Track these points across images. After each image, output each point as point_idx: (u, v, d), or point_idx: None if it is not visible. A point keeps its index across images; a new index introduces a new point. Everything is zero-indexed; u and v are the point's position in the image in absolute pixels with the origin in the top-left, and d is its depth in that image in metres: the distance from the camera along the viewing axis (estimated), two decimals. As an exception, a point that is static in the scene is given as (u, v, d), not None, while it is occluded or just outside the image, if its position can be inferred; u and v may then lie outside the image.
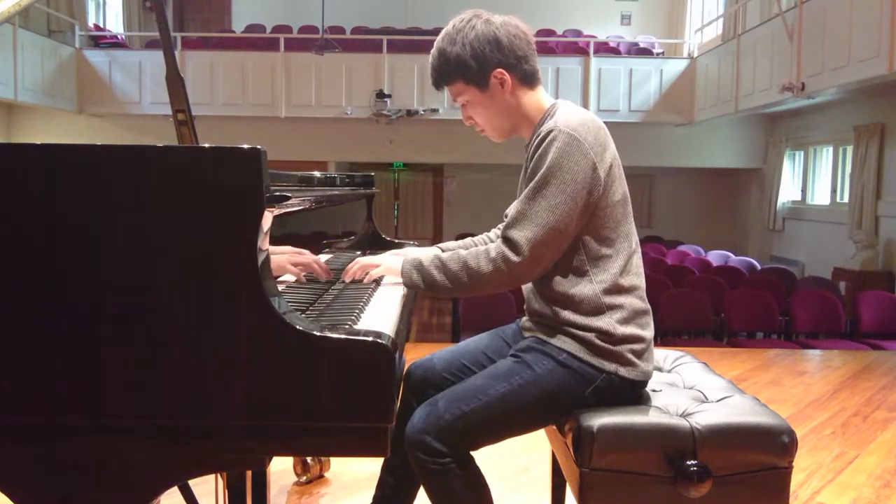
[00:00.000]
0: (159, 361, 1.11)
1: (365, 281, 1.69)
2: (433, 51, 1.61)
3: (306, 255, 1.61)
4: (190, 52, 9.68)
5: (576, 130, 1.48)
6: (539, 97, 1.64)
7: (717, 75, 9.08)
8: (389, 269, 1.64)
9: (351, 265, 1.70)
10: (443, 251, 1.88)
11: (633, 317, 1.55)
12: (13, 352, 1.11)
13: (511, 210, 1.54)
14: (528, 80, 1.62)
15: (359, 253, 2.29)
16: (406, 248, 1.92)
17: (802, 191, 9.32)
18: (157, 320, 1.10)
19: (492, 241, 1.93)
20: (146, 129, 9.73)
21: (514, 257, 1.47)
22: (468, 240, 1.96)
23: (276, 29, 10.97)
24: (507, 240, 1.49)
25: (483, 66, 1.56)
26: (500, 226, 1.92)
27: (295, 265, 1.54)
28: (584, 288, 1.53)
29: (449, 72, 1.60)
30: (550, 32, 11.04)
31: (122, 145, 1.10)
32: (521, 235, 1.47)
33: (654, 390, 1.66)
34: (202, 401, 1.11)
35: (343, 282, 1.75)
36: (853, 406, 3.57)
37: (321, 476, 2.57)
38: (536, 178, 1.48)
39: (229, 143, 1.10)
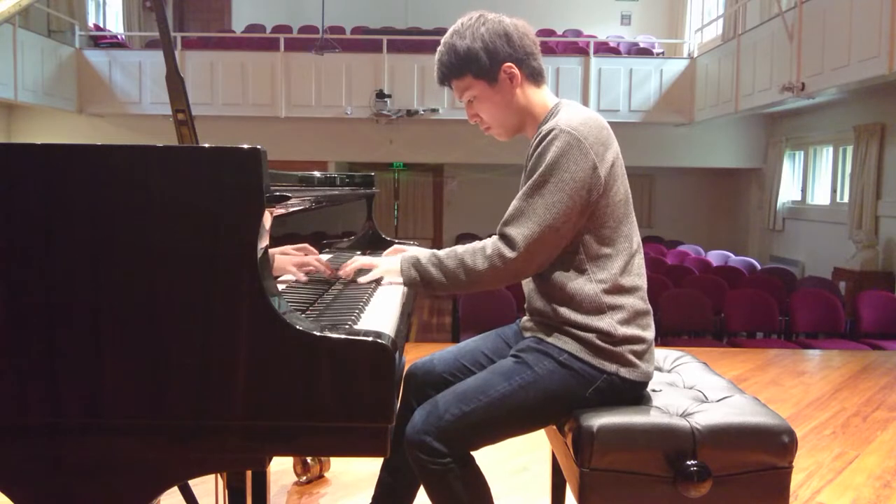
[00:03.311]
0: (159, 361, 1.11)
1: (360, 281, 1.69)
2: (441, 47, 1.62)
3: (308, 257, 1.61)
4: (190, 52, 9.68)
5: (577, 129, 1.48)
6: (545, 96, 1.64)
7: (717, 75, 9.08)
8: (387, 270, 1.64)
9: (348, 263, 1.70)
10: None
11: (634, 317, 1.55)
12: (14, 352, 1.10)
13: (509, 207, 1.54)
14: (536, 77, 1.62)
15: (358, 253, 2.29)
16: (408, 248, 1.91)
17: (802, 191, 9.32)
18: (157, 320, 1.10)
19: None
20: (146, 129, 9.73)
21: (509, 253, 1.48)
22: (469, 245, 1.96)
23: (276, 29, 10.97)
24: (503, 236, 1.50)
25: (494, 59, 1.57)
26: None
27: (297, 265, 1.54)
28: (585, 287, 1.53)
29: (458, 66, 1.60)
30: (550, 32, 11.04)
31: (122, 145, 1.10)
32: (516, 232, 1.48)
33: (654, 390, 1.66)
34: (202, 401, 1.11)
35: (343, 281, 1.75)
36: (853, 406, 3.57)
37: (321, 476, 2.57)
38: (535, 175, 1.49)
39: (229, 143, 1.10)
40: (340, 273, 1.71)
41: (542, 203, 1.47)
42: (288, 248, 1.54)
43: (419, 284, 1.57)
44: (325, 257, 1.82)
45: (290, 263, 1.52)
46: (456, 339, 5.74)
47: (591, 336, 1.52)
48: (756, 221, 10.37)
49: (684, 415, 1.50)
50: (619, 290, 1.54)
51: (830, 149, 8.69)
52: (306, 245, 1.63)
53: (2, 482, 1.15)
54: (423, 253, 1.59)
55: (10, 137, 9.79)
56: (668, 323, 5.34)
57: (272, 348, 1.10)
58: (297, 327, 1.10)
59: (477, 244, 1.54)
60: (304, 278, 1.55)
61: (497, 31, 1.57)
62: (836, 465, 2.79)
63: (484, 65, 1.57)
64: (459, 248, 1.55)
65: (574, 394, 1.52)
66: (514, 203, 1.51)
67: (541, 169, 1.48)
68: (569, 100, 1.63)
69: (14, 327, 1.10)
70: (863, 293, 5.82)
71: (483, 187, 11.40)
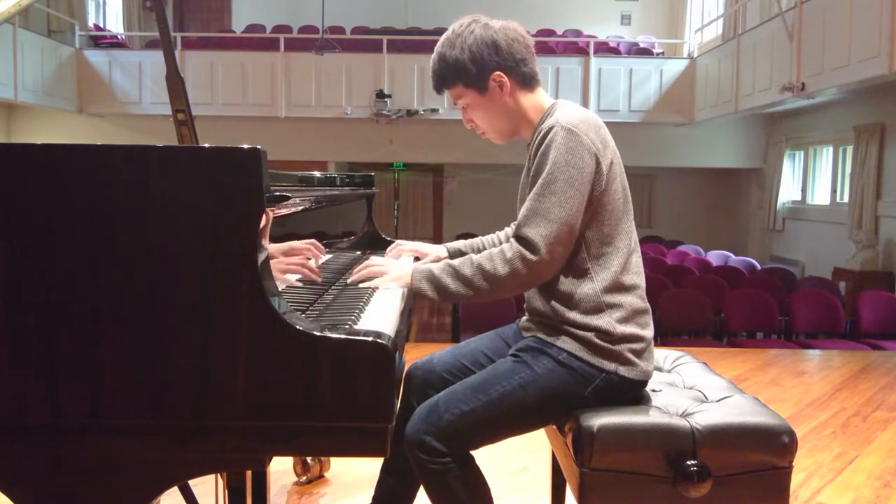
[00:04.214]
0: (159, 361, 1.11)
1: (371, 284, 1.66)
2: (433, 55, 1.63)
3: (294, 259, 1.57)
4: (190, 52, 9.68)
5: (576, 126, 1.48)
6: (538, 98, 1.64)
7: (717, 75, 9.08)
8: (397, 278, 1.60)
9: (359, 268, 1.69)
10: (448, 251, 1.88)
11: (633, 316, 1.55)
12: (14, 352, 1.10)
13: (521, 209, 1.53)
14: (527, 82, 1.62)
15: (359, 253, 2.29)
16: (405, 259, 1.89)
17: (802, 191, 9.32)
18: (157, 320, 1.10)
19: (502, 241, 1.92)
20: (146, 129, 9.73)
21: (531, 256, 1.46)
22: (476, 239, 1.95)
23: (276, 29, 10.97)
24: (521, 239, 1.48)
25: (482, 69, 1.57)
26: (513, 224, 1.91)
27: (284, 272, 1.51)
28: (585, 286, 1.53)
29: (449, 75, 1.61)
30: (550, 32, 11.04)
31: (122, 145, 1.10)
32: (535, 233, 1.46)
33: (654, 390, 1.66)
34: (202, 401, 1.11)
35: (343, 281, 1.75)
36: (853, 406, 3.57)
37: (321, 476, 2.57)
38: (543, 174, 1.48)
39: (229, 143, 1.10)
40: (350, 281, 1.69)
41: (556, 201, 1.46)
42: (275, 249, 1.52)
43: (433, 297, 1.53)
44: (324, 258, 1.82)
45: (280, 270, 1.47)
46: (456, 339, 5.73)
47: (589, 335, 1.52)
48: (756, 221, 10.37)
49: (684, 415, 1.50)
50: (618, 288, 1.54)
51: (830, 149, 8.69)
52: (293, 245, 1.60)
53: (2, 482, 1.15)
54: (435, 265, 1.55)
55: (10, 137, 9.79)
56: (668, 323, 5.34)
57: (272, 348, 1.10)
58: (297, 327, 1.10)
59: (494, 250, 1.51)
60: (292, 281, 1.51)
61: (485, 39, 1.56)
62: (836, 465, 2.79)
63: (472, 75, 1.58)
64: (475, 256, 1.52)
65: (573, 393, 1.52)
66: (527, 204, 1.50)
67: (548, 167, 1.47)
68: (565, 100, 1.63)
69: (14, 327, 1.10)
70: (863, 293, 5.82)
71: (483, 187, 11.40)
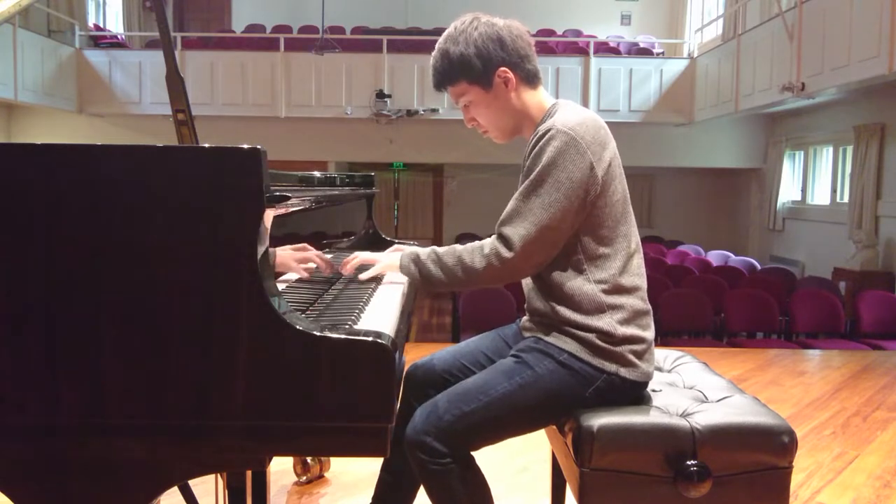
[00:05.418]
0: (159, 361, 1.11)
1: (361, 278, 1.70)
2: (435, 53, 1.61)
3: (309, 252, 1.63)
4: (190, 52, 9.68)
5: (573, 129, 1.48)
6: (541, 97, 1.64)
7: (717, 75, 9.08)
8: (388, 265, 1.66)
9: (349, 259, 1.71)
10: None
11: (634, 317, 1.55)
12: (14, 352, 1.10)
13: (507, 207, 1.54)
14: (531, 79, 1.62)
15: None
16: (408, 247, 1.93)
17: (802, 191, 9.32)
18: (157, 320, 1.10)
19: None
20: (146, 129, 9.73)
21: (506, 253, 1.48)
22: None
23: (276, 29, 10.97)
24: (500, 236, 1.51)
25: (487, 64, 1.57)
26: None
27: (299, 261, 1.56)
28: (583, 287, 1.53)
29: (452, 72, 1.59)
30: (550, 32, 11.05)
31: (122, 145, 1.10)
32: (513, 232, 1.48)
33: (654, 390, 1.66)
34: (202, 400, 1.11)
35: (343, 281, 1.75)
36: (853, 406, 3.57)
37: (321, 476, 2.57)
38: (532, 175, 1.49)
39: (229, 143, 1.10)
40: (342, 270, 1.72)
41: (539, 203, 1.47)
42: (287, 248, 1.54)
43: (418, 280, 1.58)
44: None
45: (293, 259, 1.53)
46: (456, 339, 5.74)
47: (590, 336, 1.52)
48: (756, 221, 10.37)
49: (684, 415, 1.50)
50: (618, 289, 1.54)
51: (830, 149, 8.69)
52: (305, 245, 1.63)
53: (2, 482, 1.15)
54: (423, 250, 1.60)
55: (10, 137, 9.79)
56: (668, 323, 5.34)
57: (272, 348, 1.10)
58: (297, 327, 1.10)
59: (477, 243, 1.54)
60: (305, 275, 1.56)
61: (490, 35, 1.56)
62: (836, 465, 2.79)
63: (478, 71, 1.57)
64: (459, 247, 1.56)
65: (574, 393, 1.52)
66: (511, 203, 1.52)
67: (538, 169, 1.48)
68: (566, 100, 1.63)
69: (14, 327, 1.10)
70: (863, 293, 5.82)
71: (483, 187, 11.40)
